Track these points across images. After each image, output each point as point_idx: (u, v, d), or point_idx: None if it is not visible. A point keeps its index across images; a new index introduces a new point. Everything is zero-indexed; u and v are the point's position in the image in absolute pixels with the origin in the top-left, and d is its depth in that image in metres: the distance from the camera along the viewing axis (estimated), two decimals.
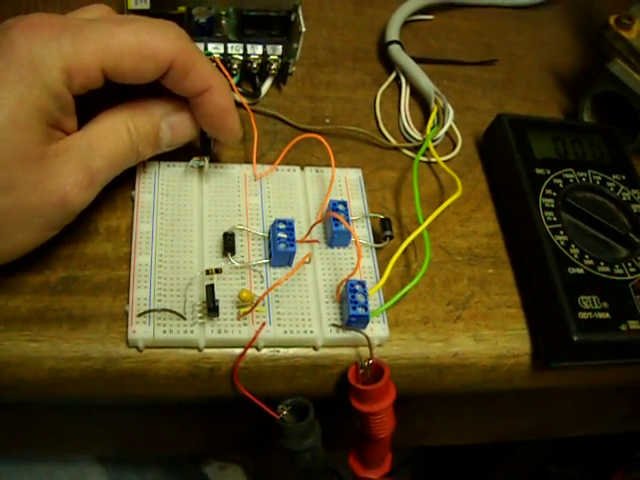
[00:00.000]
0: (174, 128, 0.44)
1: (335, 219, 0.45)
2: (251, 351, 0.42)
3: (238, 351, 0.42)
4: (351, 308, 0.42)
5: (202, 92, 0.42)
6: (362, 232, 0.48)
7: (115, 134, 0.40)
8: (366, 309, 0.42)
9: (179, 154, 0.49)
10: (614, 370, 0.49)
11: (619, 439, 0.73)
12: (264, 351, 0.43)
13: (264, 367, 0.43)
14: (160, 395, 0.43)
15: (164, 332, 0.41)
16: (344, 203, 0.46)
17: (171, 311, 0.41)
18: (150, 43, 0.38)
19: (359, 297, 0.42)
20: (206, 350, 0.42)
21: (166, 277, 0.43)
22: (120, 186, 0.47)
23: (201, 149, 0.47)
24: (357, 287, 0.43)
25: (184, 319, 0.41)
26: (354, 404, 0.43)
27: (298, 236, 0.45)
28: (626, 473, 0.66)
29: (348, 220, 0.45)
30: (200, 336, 0.41)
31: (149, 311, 0.41)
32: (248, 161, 0.49)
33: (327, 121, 0.54)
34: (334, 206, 0.46)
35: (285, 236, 0.44)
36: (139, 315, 0.41)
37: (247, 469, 1.14)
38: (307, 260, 0.44)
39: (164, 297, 0.42)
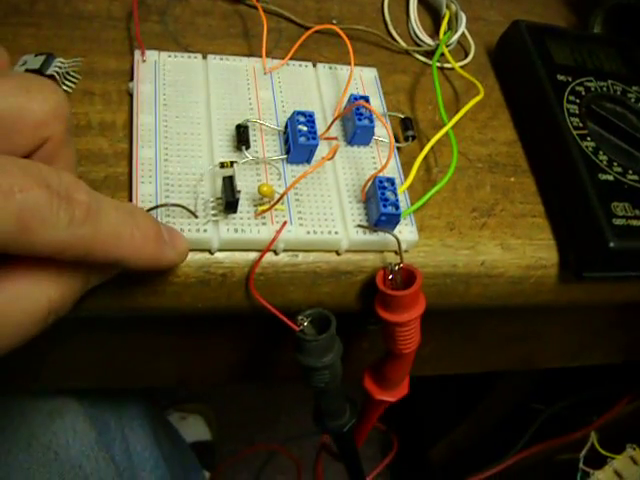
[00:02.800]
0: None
1: (358, 112, 0.41)
2: (268, 256, 0.38)
3: (253, 255, 0.38)
4: (382, 206, 0.38)
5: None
6: (382, 132, 0.44)
7: (27, 307, 0.28)
8: (397, 207, 0.38)
9: (178, 47, 0.45)
10: None
11: (608, 374, 0.72)
12: (282, 255, 0.39)
13: (282, 273, 0.39)
14: (162, 307, 0.39)
15: None
16: (366, 98, 0.42)
17: (182, 207, 0.37)
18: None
19: (389, 194, 0.39)
20: (218, 254, 0.38)
21: (173, 172, 0.39)
22: (114, 78, 0.42)
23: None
24: (386, 184, 0.39)
25: (196, 217, 0.37)
26: (380, 313, 0.39)
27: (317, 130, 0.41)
28: (631, 401, 0.65)
29: (372, 116, 0.42)
30: (214, 235, 0.37)
31: (157, 207, 0.37)
32: (254, 55, 0.45)
33: (334, 22, 0.50)
34: (355, 100, 0.42)
35: (305, 129, 0.40)
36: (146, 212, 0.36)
37: (208, 419, 1.10)
38: (331, 155, 0.40)
39: (172, 193, 0.38)
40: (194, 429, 1.06)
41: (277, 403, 1.26)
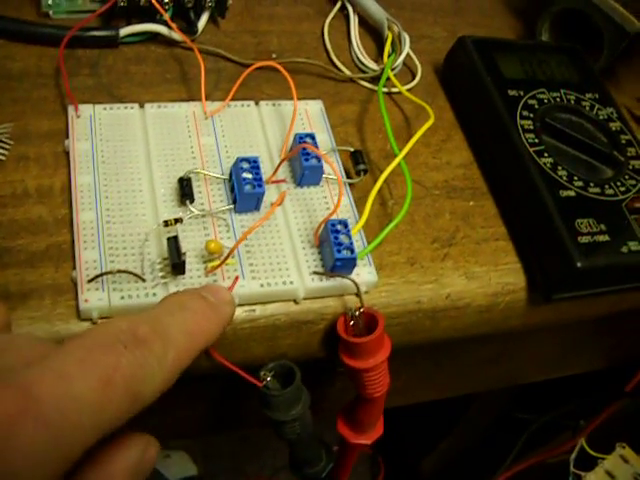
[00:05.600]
0: None
1: (305, 152, 0.39)
2: None
3: None
4: (336, 251, 0.37)
5: None
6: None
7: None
8: (352, 251, 0.37)
9: (112, 99, 0.43)
10: (613, 297, 0.45)
11: (590, 378, 0.71)
12: (238, 311, 0.37)
13: (240, 330, 0.37)
14: None
15: (122, 298, 0.35)
16: (312, 136, 0.41)
17: (128, 272, 0.35)
18: None
19: (343, 238, 0.37)
20: None
21: (117, 234, 0.37)
22: (48, 139, 0.40)
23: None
24: (339, 227, 0.38)
25: (143, 281, 0.35)
26: (345, 361, 0.38)
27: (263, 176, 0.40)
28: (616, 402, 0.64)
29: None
30: None
31: (102, 274, 0.35)
32: (193, 99, 0.43)
33: (274, 56, 0.48)
34: (300, 139, 0.40)
35: (250, 176, 0.38)
36: (90, 280, 0.35)
37: (192, 453, 1.07)
38: (279, 202, 0.38)
39: (117, 257, 0.36)
40: (179, 466, 1.03)
41: (264, 430, 1.22)
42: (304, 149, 0.39)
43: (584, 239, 0.40)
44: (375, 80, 0.48)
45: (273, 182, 0.40)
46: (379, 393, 0.39)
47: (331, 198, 0.41)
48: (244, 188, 0.38)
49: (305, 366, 0.38)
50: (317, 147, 0.40)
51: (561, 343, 0.57)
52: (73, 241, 0.37)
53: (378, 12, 0.51)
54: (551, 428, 0.68)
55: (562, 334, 0.55)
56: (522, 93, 0.47)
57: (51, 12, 0.46)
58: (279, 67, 0.42)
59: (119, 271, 0.35)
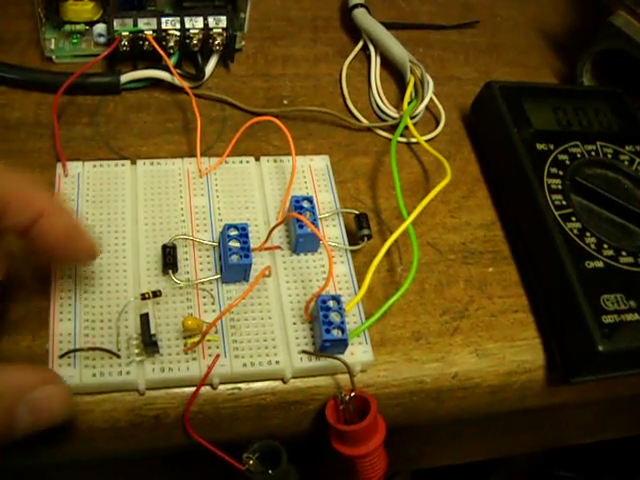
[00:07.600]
0: (37, 409, 0.29)
1: (298, 219, 0.36)
2: (206, 390, 0.34)
3: (188, 391, 0.34)
4: (324, 331, 0.34)
5: (33, 221, 0.30)
6: (334, 232, 0.39)
7: None
8: (343, 331, 0.34)
9: (108, 151, 0.41)
10: None
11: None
12: (221, 389, 0.35)
13: (223, 409, 0.35)
14: (98, 452, 0.35)
15: (94, 375, 0.33)
16: (309, 199, 0.38)
17: (101, 349, 0.33)
18: None
19: (333, 316, 0.34)
20: (149, 393, 0.34)
21: (95, 305, 0.35)
22: None
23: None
24: (330, 304, 0.35)
25: (118, 357, 0.33)
26: (336, 447, 0.35)
27: (256, 243, 0.37)
28: None
29: (315, 219, 0.37)
30: (139, 377, 0.33)
31: (73, 350, 0.33)
32: (192, 155, 0.41)
33: (285, 102, 0.46)
34: (297, 203, 0.37)
35: (237, 245, 0.35)
36: (61, 356, 0.33)
37: None
38: (267, 273, 0.35)
39: (92, 331, 0.34)
40: None
41: None
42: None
43: (609, 318, 0.36)
44: (394, 129, 0.45)
45: (266, 249, 0.37)
46: (374, 479, 0.36)
47: (330, 267, 0.38)
48: (230, 258, 0.35)
49: (296, 441, 0.36)
50: (314, 211, 0.37)
51: (593, 412, 0.52)
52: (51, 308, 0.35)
53: (400, 53, 0.47)
54: None
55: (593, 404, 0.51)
56: (552, 147, 0.42)
57: (54, 57, 0.44)
58: (278, 122, 0.39)
59: (90, 349, 0.33)
